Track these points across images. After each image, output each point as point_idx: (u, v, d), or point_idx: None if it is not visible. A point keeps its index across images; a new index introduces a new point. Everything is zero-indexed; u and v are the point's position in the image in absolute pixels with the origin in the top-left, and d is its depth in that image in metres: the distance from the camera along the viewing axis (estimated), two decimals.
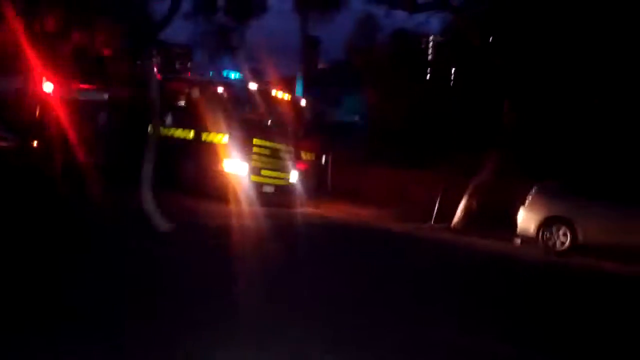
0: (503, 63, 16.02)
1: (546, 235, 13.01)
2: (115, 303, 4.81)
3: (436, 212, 15.99)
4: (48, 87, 17.68)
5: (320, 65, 32.51)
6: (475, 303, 6.76)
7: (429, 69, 28.42)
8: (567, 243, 12.71)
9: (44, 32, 19.10)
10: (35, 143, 17.73)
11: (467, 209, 15.75)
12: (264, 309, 5.15)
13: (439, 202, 16.04)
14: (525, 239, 13.63)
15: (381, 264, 8.79)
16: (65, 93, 17.52)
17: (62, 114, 16.49)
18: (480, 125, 18.89)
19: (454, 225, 15.62)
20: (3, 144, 18.10)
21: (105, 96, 16.88)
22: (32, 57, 18.19)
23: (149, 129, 15.58)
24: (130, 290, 5.21)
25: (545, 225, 13.06)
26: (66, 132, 16.25)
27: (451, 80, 26.46)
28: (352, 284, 6.82)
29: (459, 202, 15.86)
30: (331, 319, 5.12)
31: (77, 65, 19.35)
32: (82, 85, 17.94)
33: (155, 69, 20.75)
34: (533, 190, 13.72)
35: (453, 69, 26.27)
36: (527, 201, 13.63)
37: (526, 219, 13.46)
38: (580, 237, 12.57)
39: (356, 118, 25.65)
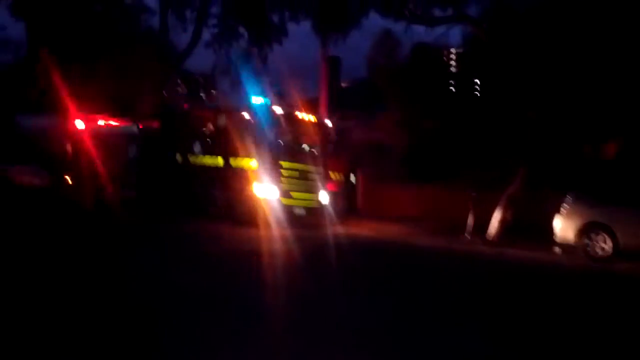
0: (526, 73, 15.87)
1: (586, 242, 12.76)
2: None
3: (470, 226, 15.76)
4: (79, 124, 18.06)
5: (343, 84, 32.60)
6: (537, 318, 6.57)
7: (452, 81, 28.30)
8: (608, 249, 12.46)
9: (75, 71, 19.59)
10: (68, 179, 18.08)
11: (501, 220, 15.53)
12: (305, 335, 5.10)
13: (473, 214, 15.81)
14: (565, 247, 13.38)
15: (427, 281, 8.63)
16: (96, 129, 17.88)
17: (93, 150, 16.83)
18: (508, 137, 18.70)
19: (490, 237, 15.39)
20: (37, 181, 18.49)
21: (135, 129, 17.15)
22: (63, 95, 18.68)
23: (178, 158, 15.86)
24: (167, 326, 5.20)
25: (584, 232, 12.84)
26: (98, 167, 16.57)
27: (476, 92, 26.28)
28: (404, 304, 6.72)
29: (489, 215, 15.66)
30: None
31: (106, 100, 19.79)
32: (111, 120, 18.29)
33: (180, 99, 21.18)
34: (569, 198, 13.50)
35: (477, 80, 26.11)
36: (563, 209, 13.40)
37: (564, 227, 13.24)
38: (621, 242, 12.31)
39: (381, 136, 25.59)
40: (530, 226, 15.25)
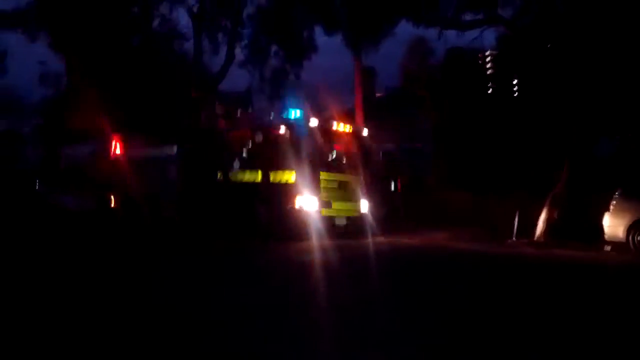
0: (564, 71, 15.57)
1: (637, 238, 12.38)
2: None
3: (516, 228, 15.44)
4: (120, 148, 18.51)
5: (378, 94, 32.57)
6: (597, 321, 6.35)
7: (489, 84, 27.96)
8: None
9: (114, 98, 20.17)
10: (112, 204, 18.53)
11: (547, 221, 15.18)
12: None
13: (518, 217, 15.49)
14: (615, 244, 12.98)
15: (478, 287, 8.44)
16: (136, 152, 18.29)
17: (134, 173, 17.21)
18: (550, 137, 18.35)
19: (537, 238, 15.05)
20: (85, 207, 19.00)
21: (174, 151, 17.45)
22: (104, 122, 19.23)
23: (218, 176, 16.07)
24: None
25: (634, 228, 12.45)
26: (139, 191, 16.93)
27: (514, 93, 25.90)
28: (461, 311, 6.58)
29: (533, 218, 15.32)
30: None
31: (146, 125, 20.26)
32: (151, 143, 18.69)
33: (218, 118, 21.51)
34: (617, 195, 13.12)
35: (515, 81, 25.74)
36: (611, 207, 13.04)
37: (613, 225, 12.89)
38: None
39: (418, 144, 25.43)
40: (580, 226, 14.86)
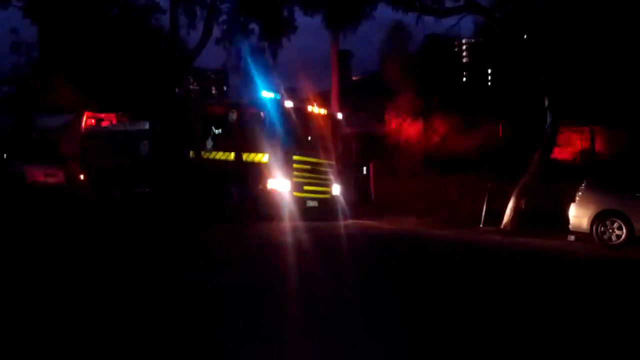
0: (538, 62, 15.75)
1: (600, 229, 12.63)
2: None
3: (484, 216, 15.69)
4: (92, 122, 18.24)
5: (355, 77, 32.52)
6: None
7: (465, 71, 28.14)
8: (624, 236, 12.32)
9: (87, 71, 19.82)
10: (81, 176, 18.29)
11: (515, 209, 15.45)
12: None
13: (486, 205, 15.73)
14: (579, 234, 13.26)
15: (446, 271, 8.59)
16: (109, 127, 18.05)
17: (105, 147, 16.99)
18: (521, 126, 18.61)
19: (504, 226, 15.31)
20: (54, 180, 18.74)
21: (147, 126, 17.25)
22: (76, 95, 18.92)
23: (191, 154, 15.95)
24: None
25: (598, 219, 12.69)
26: (110, 164, 16.73)
27: (489, 81, 26.12)
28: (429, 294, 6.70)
29: (501, 205, 15.57)
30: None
31: (118, 98, 19.98)
32: (124, 118, 18.45)
33: (192, 95, 21.30)
34: (583, 186, 13.36)
35: (490, 70, 25.94)
36: (577, 197, 13.28)
37: (578, 215, 13.10)
38: (636, 229, 12.18)
39: (392, 127, 25.48)
40: (546, 215, 15.15)
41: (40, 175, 18.91)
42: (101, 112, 18.53)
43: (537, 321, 5.60)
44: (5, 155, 21.92)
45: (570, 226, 13.36)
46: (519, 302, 6.47)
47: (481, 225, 15.48)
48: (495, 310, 6.01)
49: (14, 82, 27.33)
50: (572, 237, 13.58)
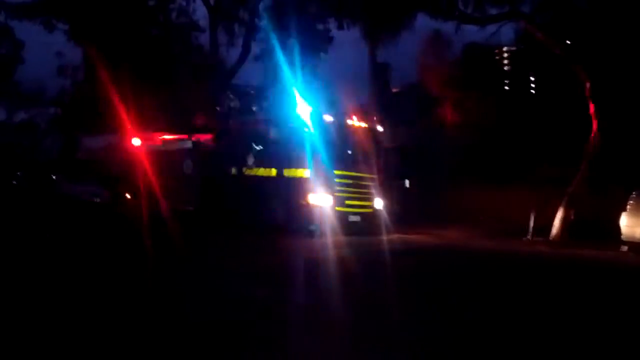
0: (583, 68, 15.33)
1: None
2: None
3: (531, 227, 15.27)
4: (136, 141, 18.56)
5: (394, 89, 32.35)
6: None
7: (506, 80, 27.64)
8: None
9: (130, 91, 20.22)
10: (127, 196, 18.60)
11: (564, 220, 15.01)
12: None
13: (534, 215, 15.31)
14: (632, 244, 12.77)
15: (492, 287, 8.33)
16: (152, 145, 18.33)
17: (150, 166, 17.24)
18: (567, 135, 18.12)
19: (553, 237, 14.88)
20: (100, 199, 19.12)
21: (189, 144, 17.47)
22: (120, 114, 19.30)
23: (233, 171, 16.06)
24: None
25: None
26: (155, 183, 16.95)
27: (531, 89, 25.58)
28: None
29: (549, 216, 15.14)
30: None
31: (161, 117, 20.31)
32: (167, 136, 18.71)
33: (233, 113, 21.52)
34: (634, 195, 12.90)
35: (533, 78, 25.42)
36: (629, 206, 12.82)
37: (630, 224, 12.70)
38: None
39: (434, 141, 25.18)
40: (597, 225, 14.64)
41: (87, 195, 19.34)
42: (145, 132, 18.84)
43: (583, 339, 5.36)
44: (54, 176, 22.55)
45: (622, 236, 12.93)
46: (575, 318, 6.20)
47: (529, 237, 15.08)
48: (551, 331, 5.77)
49: (60, 104, 28.17)
50: (624, 248, 13.12)
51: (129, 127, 19.17)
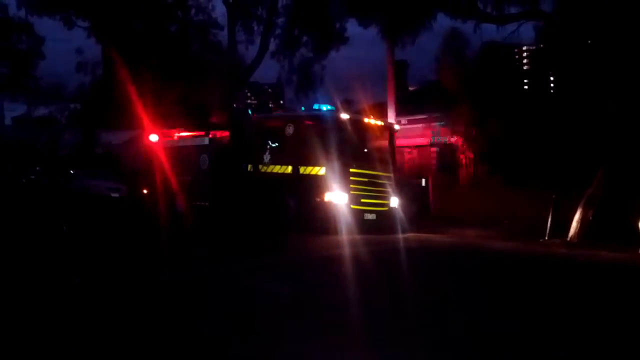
0: (604, 67, 15.09)
1: None
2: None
3: (550, 227, 15.08)
4: (153, 137, 18.67)
5: (411, 88, 32.17)
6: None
7: (525, 79, 27.31)
8: None
9: (148, 87, 20.36)
10: (144, 191, 18.73)
11: (582, 221, 14.80)
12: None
13: (552, 217, 15.12)
14: None
15: (508, 288, 8.23)
16: (169, 141, 18.43)
17: (167, 162, 17.35)
18: (586, 135, 17.85)
19: (570, 238, 14.69)
20: (117, 194, 19.26)
21: (206, 140, 17.54)
22: (138, 110, 19.43)
23: (248, 167, 16.08)
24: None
25: None
26: (172, 179, 17.06)
27: (551, 89, 25.26)
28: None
29: (566, 217, 14.94)
30: None
31: (179, 113, 20.40)
32: (184, 132, 18.79)
33: (249, 110, 21.56)
34: None
35: (552, 78, 25.09)
36: None
37: None
38: None
39: (450, 139, 25.02)
40: (615, 227, 14.42)
41: (104, 189, 19.50)
42: (162, 128, 18.94)
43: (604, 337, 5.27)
44: (72, 170, 22.79)
45: None
46: (589, 319, 6.11)
47: (546, 238, 14.91)
48: (559, 325, 5.70)
49: (79, 100, 28.42)
50: None
51: (147, 123, 19.30)
